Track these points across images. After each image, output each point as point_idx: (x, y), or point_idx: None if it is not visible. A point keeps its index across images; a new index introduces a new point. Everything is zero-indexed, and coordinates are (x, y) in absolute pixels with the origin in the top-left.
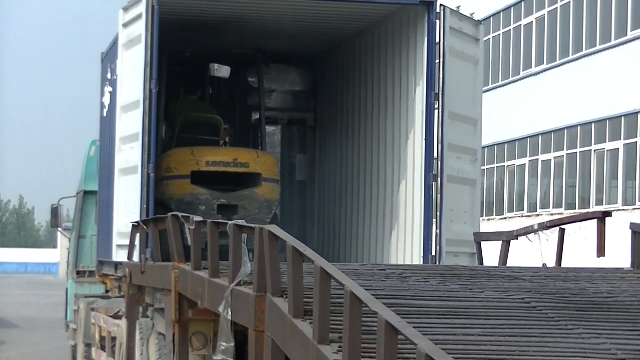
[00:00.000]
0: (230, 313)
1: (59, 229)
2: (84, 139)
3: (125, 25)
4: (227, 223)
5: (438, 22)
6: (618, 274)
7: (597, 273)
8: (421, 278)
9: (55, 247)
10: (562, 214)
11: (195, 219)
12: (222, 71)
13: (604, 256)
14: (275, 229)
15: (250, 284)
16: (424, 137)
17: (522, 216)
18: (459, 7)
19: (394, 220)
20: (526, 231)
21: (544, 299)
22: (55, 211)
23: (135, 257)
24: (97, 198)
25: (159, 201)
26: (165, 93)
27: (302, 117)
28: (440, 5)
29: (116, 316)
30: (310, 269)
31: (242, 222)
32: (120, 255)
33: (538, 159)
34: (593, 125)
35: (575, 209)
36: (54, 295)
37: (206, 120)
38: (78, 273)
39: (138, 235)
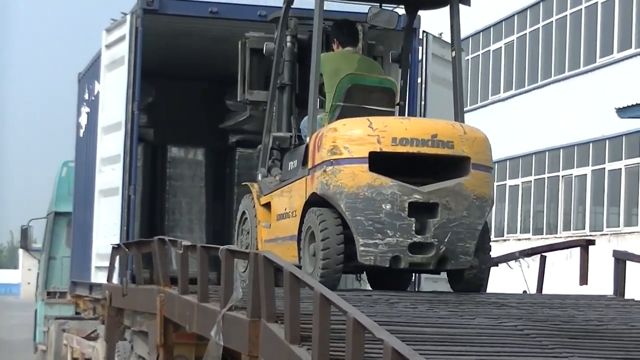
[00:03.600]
0: (221, 338)
1: (28, 250)
2: (50, 159)
3: (108, 47)
4: (217, 248)
5: (420, 48)
6: (602, 302)
7: (581, 300)
8: (409, 304)
9: (16, 267)
10: (529, 239)
11: (183, 243)
12: (383, 19)
13: (587, 284)
14: (270, 255)
15: (242, 309)
16: None
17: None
18: (441, 34)
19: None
20: (506, 258)
21: (536, 326)
22: (25, 232)
23: (115, 279)
24: (68, 219)
25: (316, 196)
26: (324, 44)
27: None
28: (423, 31)
29: (89, 337)
30: (302, 294)
31: (234, 247)
32: (98, 277)
33: (506, 184)
34: (561, 150)
35: (542, 234)
36: (16, 316)
37: (377, 84)
38: (48, 294)
39: (117, 258)
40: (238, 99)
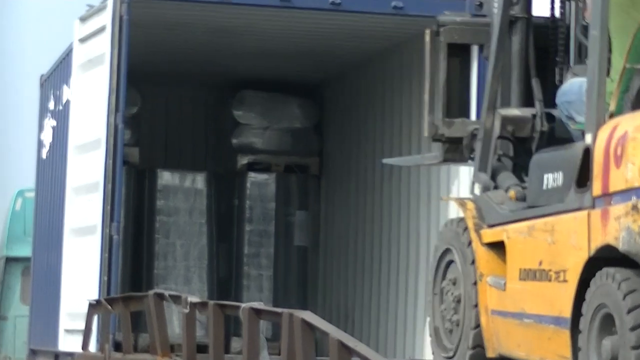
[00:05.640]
0: None
1: None
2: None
3: (83, 41)
4: (237, 306)
5: None
6: None
7: None
8: None
9: None
10: None
11: (189, 299)
12: None
13: None
14: (309, 316)
15: None
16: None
17: None
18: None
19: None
20: None
21: None
22: None
23: (92, 346)
24: (24, 266)
25: (614, 251)
26: None
27: (304, 162)
28: None
29: None
30: None
31: (258, 305)
32: (68, 343)
33: None
34: None
35: None
36: None
37: None
38: None
39: (96, 318)
40: (426, 133)
